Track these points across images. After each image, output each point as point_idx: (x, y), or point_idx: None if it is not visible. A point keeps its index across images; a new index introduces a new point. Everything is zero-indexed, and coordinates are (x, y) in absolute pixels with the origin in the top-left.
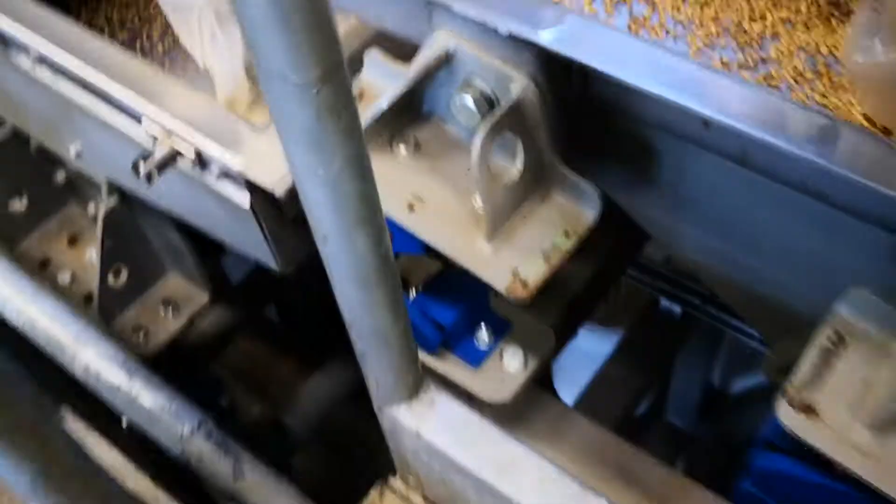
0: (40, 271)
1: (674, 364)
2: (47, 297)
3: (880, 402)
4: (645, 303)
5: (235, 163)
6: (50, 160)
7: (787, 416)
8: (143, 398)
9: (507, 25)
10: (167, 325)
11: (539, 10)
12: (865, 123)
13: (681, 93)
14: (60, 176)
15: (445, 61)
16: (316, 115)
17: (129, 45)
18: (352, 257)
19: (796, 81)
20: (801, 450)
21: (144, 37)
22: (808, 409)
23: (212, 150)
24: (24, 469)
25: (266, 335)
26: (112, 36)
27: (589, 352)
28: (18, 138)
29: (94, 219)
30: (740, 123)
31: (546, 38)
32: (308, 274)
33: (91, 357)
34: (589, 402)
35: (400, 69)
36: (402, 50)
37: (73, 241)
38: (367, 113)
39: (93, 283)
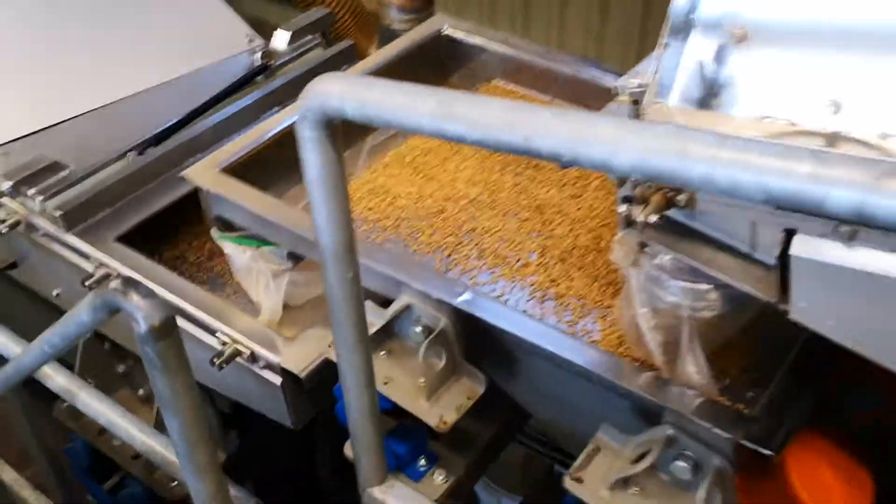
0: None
1: None
2: None
3: (613, 477)
4: (542, 470)
5: (276, 358)
6: (116, 356)
7: (567, 483)
8: None
9: (437, 294)
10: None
11: (454, 286)
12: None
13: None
14: (120, 368)
15: (406, 309)
16: None
17: (196, 275)
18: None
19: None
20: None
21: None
22: (578, 480)
23: (262, 351)
24: None
25: None
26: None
27: None
28: (99, 338)
29: (142, 400)
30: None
31: (456, 301)
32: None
33: None
34: None
35: (381, 311)
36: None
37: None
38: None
39: None
